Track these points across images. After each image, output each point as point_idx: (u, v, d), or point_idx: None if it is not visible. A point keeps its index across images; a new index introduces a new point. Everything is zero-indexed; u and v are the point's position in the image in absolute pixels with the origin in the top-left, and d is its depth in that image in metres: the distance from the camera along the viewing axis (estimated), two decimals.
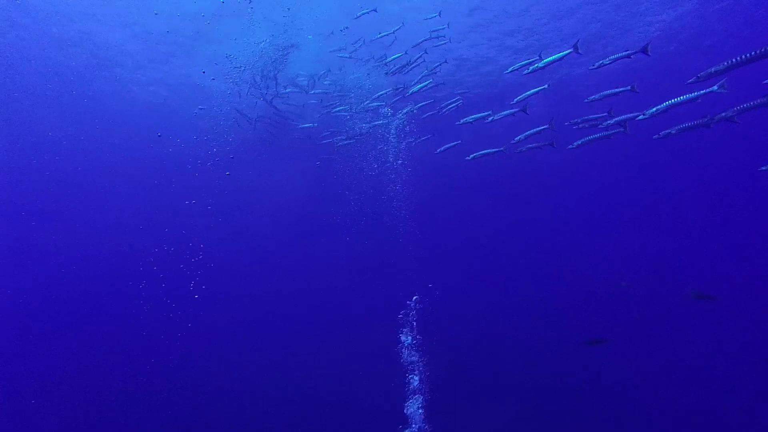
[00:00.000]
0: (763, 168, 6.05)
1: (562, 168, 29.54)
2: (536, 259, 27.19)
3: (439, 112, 11.89)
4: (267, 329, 20.42)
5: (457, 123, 9.84)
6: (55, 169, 26.36)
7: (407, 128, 15.75)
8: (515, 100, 9.40)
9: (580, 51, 7.76)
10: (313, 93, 15.99)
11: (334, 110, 14.83)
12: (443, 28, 11.87)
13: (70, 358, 18.10)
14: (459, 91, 13.49)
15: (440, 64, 11.91)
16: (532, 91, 9.17)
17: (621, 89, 8.18)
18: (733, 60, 5.20)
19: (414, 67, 12.04)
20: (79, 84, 19.39)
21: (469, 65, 19.53)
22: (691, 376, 12.60)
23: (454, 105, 11.35)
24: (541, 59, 8.63)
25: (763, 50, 4.93)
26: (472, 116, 9.72)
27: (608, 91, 8.42)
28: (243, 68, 16.41)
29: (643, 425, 11.12)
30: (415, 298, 10.18)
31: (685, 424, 10.93)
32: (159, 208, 27.22)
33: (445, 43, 12.32)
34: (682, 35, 18.25)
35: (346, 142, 15.57)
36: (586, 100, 8.85)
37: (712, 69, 5.31)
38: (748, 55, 5.09)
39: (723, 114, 5.95)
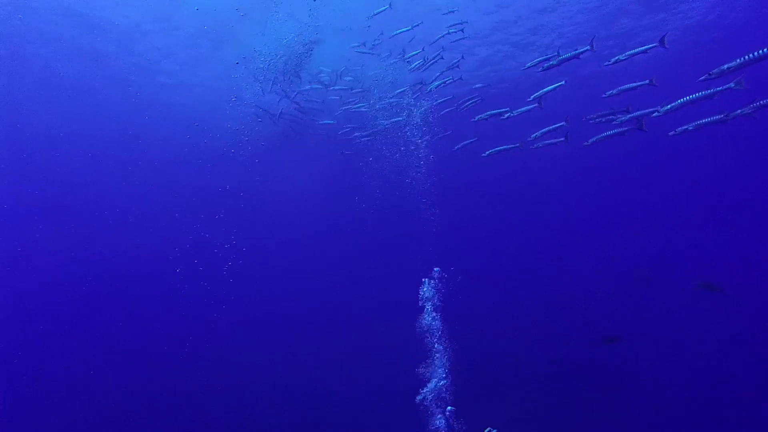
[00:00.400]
0: None
1: (584, 163, 29.14)
2: (547, 255, 27.11)
3: (457, 109, 12.05)
4: (285, 321, 21.22)
5: (473, 120, 10.00)
6: (97, 162, 27.96)
7: (426, 124, 15.95)
8: (532, 97, 9.49)
9: (595, 49, 7.77)
10: (334, 89, 16.36)
11: (353, 107, 15.20)
12: (460, 23, 11.98)
13: (95, 352, 19.14)
14: (477, 86, 13.55)
15: (458, 61, 12.04)
16: (549, 87, 9.23)
17: (639, 83, 8.12)
18: (748, 57, 5.19)
19: (431, 64, 12.21)
20: (122, 84, 20.49)
21: (492, 62, 19.52)
22: (702, 370, 12.50)
23: (471, 102, 11.48)
24: (559, 56, 8.68)
25: None
26: (488, 112, 9.85)
27: (627, 86, 8.38)
28: (268, 63, 16.89)
29: (648, 419, 11.13)
30: (436, 270, 10.06)
31: (695, 417, 10.90)
32: (195, 196, 28.53)
33: (462, 38, 12.43)
34: (725, 20, 17.46)
35: (365, 138, 15.93)
36: (604, 95, 8.82)
37: (725, 66, 5.32)
38: (762, 51, 5.08)
39: (739, 111, 5.92)
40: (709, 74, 5.50)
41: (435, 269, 10.44)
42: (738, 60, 5.19)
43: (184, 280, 23.73)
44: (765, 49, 5.04)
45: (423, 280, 10.00)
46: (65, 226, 28.74)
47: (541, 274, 23.92)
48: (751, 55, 5.12)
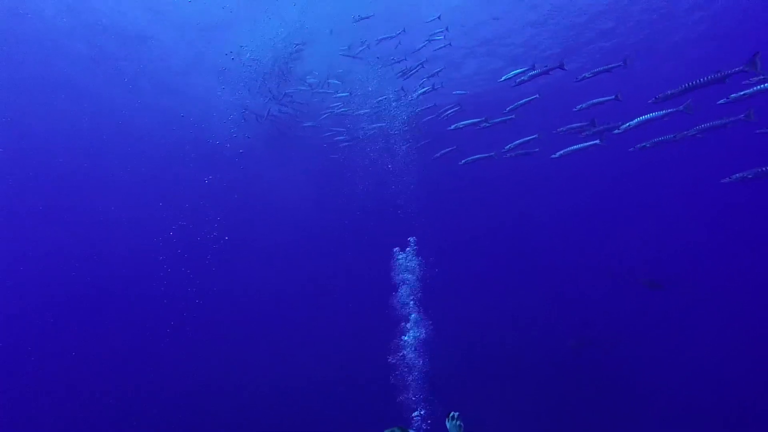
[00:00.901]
0: (726, 180, 6.58)
1: (578, 165, 29.91)
2: (543, 256, 27.86)
3: (438, 116, 12.58)
4: (274, 318, 21.64)
5: (449, 128, 10.57)
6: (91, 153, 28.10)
7: (409, 130, 16.46)
8: (507, 109, 10.12)
9: (566, 68, 8.38)
10: (318, 92, 16.73)
11: (336, 110, 15.66)
12: (441, 31, 12.55)
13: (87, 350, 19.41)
14: (457, 93, 14.14)
15: (440, 70, 12.60)
16: (523, 101, 9.87)
17: (606, 98, 8.81)
18: (688, 84, 5.84)
19: (414, 72, 12.71)
20: (113, 78, 20.66)
21: (483, 72, 20.14)
22: (701, 370, 13.06)
23: (453, 111, 12.03)
24: (533, 70, 9.34)
25: (712, 77, 5.56)
26: (464, 122, 10.44)
27: (595, 100, 9.06)
28: (255, 63, 17.17)
29: (647, 420, 11.63)
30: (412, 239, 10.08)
31: (694, 417, 11.41)
32: (179, 188, 28.80)
33: (444, 46, 13.00)
34: (718, 31, 18.03)
35: (347, 143, 16.41)
36: (574, 109, 9.47)
37: (669, 91, 5.96)
38: (701, 80, 5.73)
39: (686, 132, 6.58)
40: (656, 98, 6.14)
41: (410, 239, 10.49)
42: (680, 86, 5.82)
43: (174, 276, 24.10)
44: (704, 78, 5.68)
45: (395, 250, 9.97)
46: (58, 223, 28.99)
47: (539, 275, 24.63)
48: (691, 83, 5.75)
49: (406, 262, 9.78)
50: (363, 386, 14.23)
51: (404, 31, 12.77)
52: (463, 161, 10.43)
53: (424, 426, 8.19)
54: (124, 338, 20.53)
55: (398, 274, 9.72)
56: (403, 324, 9.18)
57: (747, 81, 5.72)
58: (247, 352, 18.25)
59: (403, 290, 9.56)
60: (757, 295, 18.44)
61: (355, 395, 14.12)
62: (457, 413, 4.52)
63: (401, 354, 9.03)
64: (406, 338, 8.90)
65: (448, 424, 4.55)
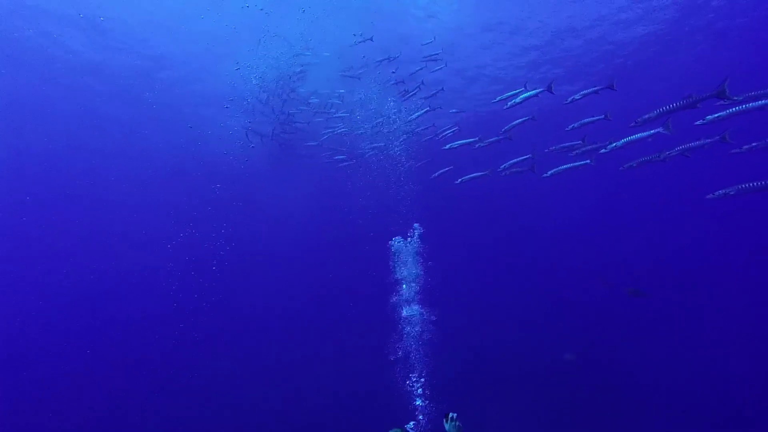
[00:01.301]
0: (710, 195, 6.89)
1: (570, 178, 30.52)
2: (545, 260, 28.23)
3: (436, 136, 13.12)
4: (273, 326, 22.13)
5: (444, 147, 11.08)
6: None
7: (409, 150, 17.04)
8: (503, 129, 10.64)
9: (553, 91, 8.88)
10: (319, 112, 17.42)
11: (337, 131, 16.31)
12: (437, 53, 13.24)
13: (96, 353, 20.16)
14: (453, 111, 14.76)
15: (437, 91, 13.23)
16: (518, 121, 10.37)
17: (596, 118, 9.27)
18: (664, 108, 6.31)
19: (413, 93, 13.34)
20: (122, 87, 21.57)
21: (488, 93, 20.82)
22: (701, 372, 13.11)
23: (450, 131, 12.56)
24: (525, 91, 9.86)
25: (684, 102, 6.03)
26: (458, 141, 10.96)
27: (586, 120, 9.54)
28: (260, 83, 17.88)
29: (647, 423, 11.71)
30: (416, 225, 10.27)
31: (690, 419, 11.50)
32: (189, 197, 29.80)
33: (441, 68, 13.66)
34: (717, 53, 18.47)
35: (346, 162, 17.01)
36: (567, 128, 9.95)
37: (646, 116, 6.43)
38: (674, 104, 6.19)
39: (668, 152, 7.03)
40: (636, 121, 6.60)
41: (415, 225, 10.78)
42: (655, 111, 6.29)
43: (181, 283, 24.82)
44: (677, 103, 6.14)
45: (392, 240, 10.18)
46: (69, 233, 30.15)
47: (539, 280, 24.90)
48: (665, 107, 6.22)
49: (405, 256, 10.08)
50: (363, 389, 14.48)
51: (400, 54, 13.48)
52: (459, 180, 10.89)
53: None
54: (130, 345, 21.29)
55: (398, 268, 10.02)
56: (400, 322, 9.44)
57: (720, 102, 6.16)
58: (250, 358, 18.85)
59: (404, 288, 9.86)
60: (755, 297, 18.66)
61: (355, 398, 14.38)
62: (455, 414, 4.73)
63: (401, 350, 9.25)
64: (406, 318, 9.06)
65: (446, 426, 4.74)
